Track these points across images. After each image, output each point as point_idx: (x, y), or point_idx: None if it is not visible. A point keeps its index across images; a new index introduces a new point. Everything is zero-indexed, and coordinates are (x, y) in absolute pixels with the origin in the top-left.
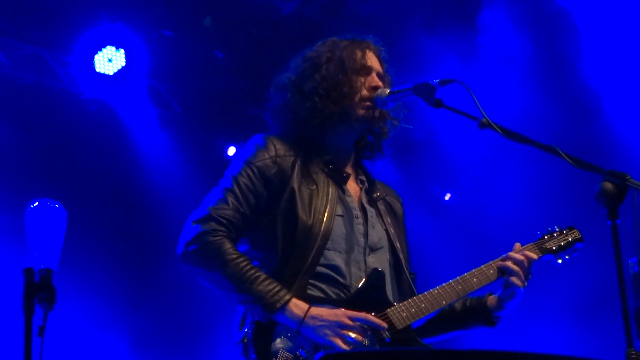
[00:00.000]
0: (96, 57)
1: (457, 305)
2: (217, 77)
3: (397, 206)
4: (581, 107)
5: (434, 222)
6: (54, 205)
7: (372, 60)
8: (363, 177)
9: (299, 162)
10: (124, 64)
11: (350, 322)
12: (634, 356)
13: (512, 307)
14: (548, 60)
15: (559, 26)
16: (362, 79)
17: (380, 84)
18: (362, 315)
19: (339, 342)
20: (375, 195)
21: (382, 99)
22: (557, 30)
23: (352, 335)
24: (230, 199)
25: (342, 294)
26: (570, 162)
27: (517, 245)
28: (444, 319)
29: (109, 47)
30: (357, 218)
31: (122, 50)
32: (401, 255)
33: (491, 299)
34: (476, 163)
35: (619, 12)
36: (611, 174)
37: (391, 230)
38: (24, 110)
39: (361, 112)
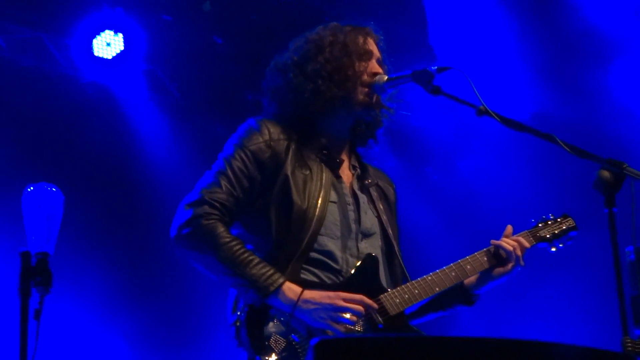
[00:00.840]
0: (95, 41)
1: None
2: (216, 63)
3: (390, 192)
4: (583, 95)
5: (430, 208)
6: (51, 189)
7: (373, 47)
8: (356, 164)
9: (293, 146)
10: (122, 48)
11: (344, 304)
12: (630, 344)
13: (495, 285)
14: (546, 46)
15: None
16: (364, 64)
17: (380, 70)
18: (357, 296)
19: (334, 325)
20: (367, 181)
21: (380, 85)
22: (556, 13)
23: (346, 316)
24: (224, 183)
25: (335, 279)
26: (568, 150)
27: (509, 227)
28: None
29: (107, 31)
30: (349, 205)
31: (120, 35)
32: (393, 242)
33: (469, 278)
34: (473, 149)
35: None
36: (609, 162)
37: (383, 217)
38: (23, 94)
39: (361, 96)
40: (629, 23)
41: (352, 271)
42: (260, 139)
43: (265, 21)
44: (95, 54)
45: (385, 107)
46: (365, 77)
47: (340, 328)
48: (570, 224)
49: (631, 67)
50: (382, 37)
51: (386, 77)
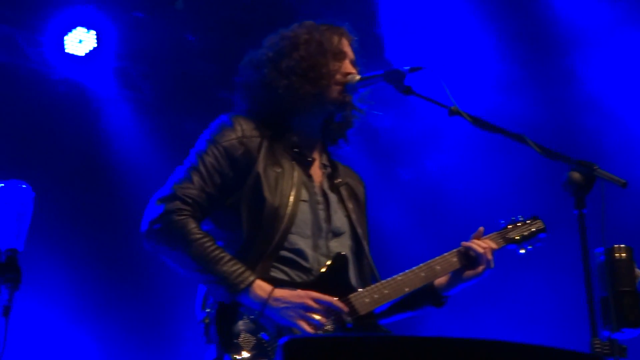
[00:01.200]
0: (66, 38)
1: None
2: (188, 60)
3: (360, 191)
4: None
5: (400, 208)
6: (22, 186)
7: (347, 48)
8: (327, 162)
9: (265, 144)
10: (94, 45)
11: (313, 304)
12: (598, 345)
13: (463, 287)
14: (518, 45)
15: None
16: (338, 64)
17: (353, 70)
18: (327, 298)
19: (302, 324)
20: (337, 180)
21: (353, 84)
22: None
23: (316, 317)
24: (196, 178)
25: (306, 277)
26: (538, 150)
27: (481, 229)
28: (394, 303)
29: (79, 28)
30: (319, 204)
31: (92, 32)
32: (363, 241)
33: (439, 279)
34: (444, 150)
35: None
36: (579, 163)
37: (353, 216)
38: None
39: (334, 95)
40: (598, 13)
41: (322, 270)
42: (233, 135)
43: (237, 19)
44: (67, 50)
45: (356, 109)
46: (338, 76)
47: (309, 328)
48: (539, 226)
49: (602, 58)
50: (356, 38)
51: (358, 77)
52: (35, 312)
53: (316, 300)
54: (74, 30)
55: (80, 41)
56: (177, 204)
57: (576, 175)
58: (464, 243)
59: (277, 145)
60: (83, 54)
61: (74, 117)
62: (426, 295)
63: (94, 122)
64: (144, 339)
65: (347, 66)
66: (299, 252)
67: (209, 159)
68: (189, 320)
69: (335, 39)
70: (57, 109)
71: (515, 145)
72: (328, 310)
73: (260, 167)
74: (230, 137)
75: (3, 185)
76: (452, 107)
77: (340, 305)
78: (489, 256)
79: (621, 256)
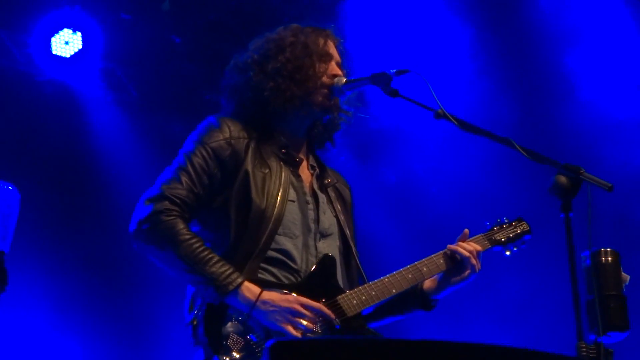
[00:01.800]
0: (53, 39)
1: (396, 294)
2: (174, 62)
3: (347, 194)
4: (538, 95)
5: (387, 210)
6: (8, 187)
7: (333, 50)
8: (314, 164)
9: (252, 145)
10: (80, 46)
11: (302, 310)
12: (584, 349)
13: (452, 290)
14: (500, 48)
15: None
16: (325, 66)
17: (340, 72)
18: (315, 304)
19: (290, 329)
20: (326, 181)
21: (339, 87)
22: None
23: (304, 322)
24: (184, 179)
25: (293, 279)
26: (525, 154)
27: (466, 231)
28: (382, 305)
29: (66, 29)
30: (308, 204)
31: (79, 33)
32: (351, 242)
33: (427, 283)
34: (431, 152)
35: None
36: (565, 167)
37: (341, 217)
38: None
39: (320, 98)
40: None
41: (310, 271)
42: (221, 137)
43: (223, 21)
44: (54, 52)
45: (343, 111)
46: (325, 78)
47: (296, 333)
48: (524, 228)
49: (588, 58)
50: (342, 40)
51: (345, 80)
52: (20, 314)
53: (305, 306)
54: (60, 32)
55: (66, 42)
56: (166, 204)
57: (562, 178)
58: (450, 246)
59: (264, 147)
60: (69, 56)
61: (60, 118)
62: (415, 299)
63: (81, 123)
64: (130, 341)
65: (334, 68)
66: (287, 253)
67: (197, 160)
68: (176, 322)
69: (321, 41)
70: (44, 110)
71: (501, 148)
72: (316, 315)
73: (247, 168)
74: (218, 138)
75: None
76: (439, 110)
77: (329, 312)
78: (475, 259)
79: (607, 260)
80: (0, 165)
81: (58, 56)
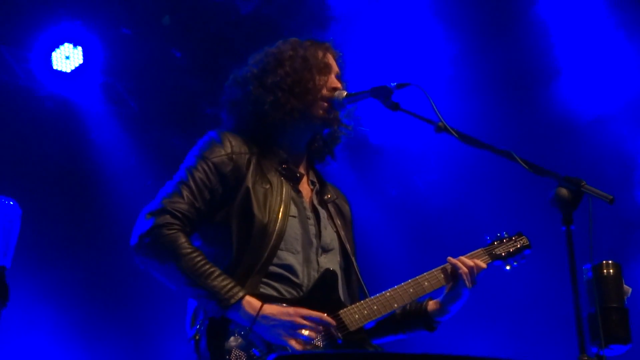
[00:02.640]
0: (54, 54)
1: (398, 309)
2: (174, 76)
3: (346, 209)
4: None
5: (388, 224)
6: (9, 203)
7: (332, 63)
8: (314, 179)
9: (253, 160)
10: (81, 61)
11: (303, 321)
12: None
13: (455, 310)
14: (501, 63)
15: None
16: (324, 78)
17: (339, 85)
18: (316, 313)
19: (292, 343)
20: (326, 197)
21: (340, 101)
22: (507, 29)
23: (305, 333)
24: (186, 193)
25: (295, 293)
26: (526, 167)
27: (469, 254)
28: (385, 323)
29: (66, 44)
30: (309, 219)
31: (79, 48)
32: (352, 257)
33: (432, 304)
34: (431, 166)
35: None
36: (566, 179)
37: (342, 232)
38: None
39: (320, 111)
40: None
41: (311, 286)
42: (223, 152)
43: (224, 35)
44: (55, 67)
45: (343, 125)
46: (324, 91)
47: (298, 346)
48: (524, 243)
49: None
50: (341, 53)
51: (345, 93)
52: (22, 329)
53: (305, 317)
54: (61, 47)
55: (67, 57)
56: (167, 218)
57: (564, 191)
58: (450, 259)
59: (265, 162)
60: (70, 70)
61: (61, 133)
62: (419, 319)
63: (82, 138)
64: (133, 355)
65: (333, 80)
66: (289, 268)
67: (198, 175)
68: (178, 337)
69: (320, 53)
70: (45, 125)
71: (502, 161)
72: (317, 325)
73: (249, 183)
74: (220, 154)
75: None
76: (439, 124)
77: (329, 319)
78: (468, 276)
79: (609, 272)
80: (1, 180)
81: (59, 71)
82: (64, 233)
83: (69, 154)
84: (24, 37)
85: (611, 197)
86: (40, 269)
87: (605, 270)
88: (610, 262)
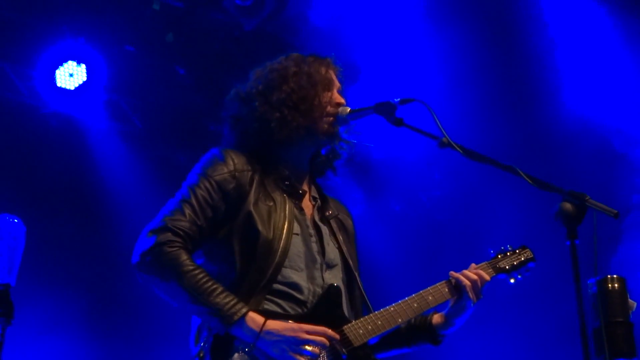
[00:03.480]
0: (57, 71)
1: (403, 323)
2: (178, 93)
3: (349, 223)
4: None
5: (392, 239)
6: (13, 220)
7: (334, 78)
8: (316, 195)
9: (256, 177)
10: (85, 79)
11: (306, 336)
12: None
13: (460, 323)
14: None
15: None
16: (329, 94)
17: (343, 100)
18: (319, 329)
19: (296, 358)
20: (327, 213)
21: (343, 117)
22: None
23: (309, 348)
24: (187, 211)
25: (300, 310)
26: (530, 181)
27: (473, 265)
28: (390, 336)
29: (70, 62)
30: (311, 236)
31: (83, 65)
32: (355, 272)
33: (436, 318)
34: (436, 181)
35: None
36: (570, 194)
37: (344, 248)
38: None
39: (325, 126)
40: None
41: (315, 302)
42: (225, 170)
43: (227, 52)
44: (58, 84)
45: (344, 141)
46: (329, 107)
47: (302, 359)
48: (528, 256)
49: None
50: (341, 68)
51: (349, 109)
52: (27, 346)
53: (309, 332)
54: (64, 64)
55: (70, 75)
56: (169, 235)
57: (568, 206)
58: (453, 273)
59: (268, 179)
60: (73, 88)
61: (65, 151)
62: (424, 332)
63: (85, 155)
64: None
65: (337, 96)
66: (294, 286)
67: (200, 192)
68: (181, 353)
69: (323, 69)
70: (49, 143)
71: (506, 176)
72: (321, 341)
73: (251, 201)
74: (223, 171)
75: None
76: (443, 139)
77: (333, 333)
78: (472, 290)
79: (614, 287)
80: (5, 198)
81: (62, 88)
82: (69, 250)
83: (73, 171)
84: (28, 55)
85: (615, 211)
86: (44, 286)
87: (610, 285)
88: (615, 276)
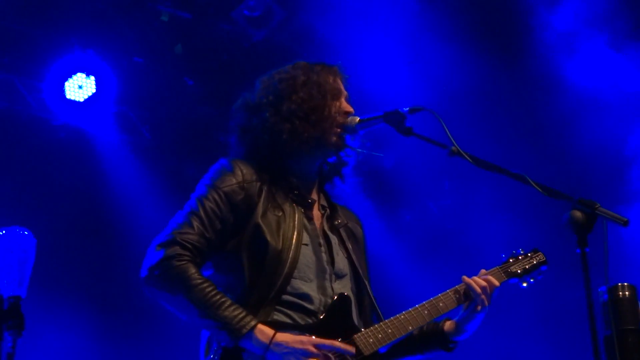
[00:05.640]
0: (66, 83)
1: (415, 330)
2: (187, 104)
3: (359, 231)
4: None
5: (403, 248)
6: (23, 232)
7: (342, 87)
8: (325, 203)
9: (265, 188)
10: (94, 90)
11: (315, 350)
12: None
13: (472, 330)
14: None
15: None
16: (337, 104)
17: (351, 109)
18: (328, 342)
19: None
20: (337, 222)
21: (352, 126)
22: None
23: None
24: (196, 224)
25: (310, 320)
26: (540, 190)
27: (483, 271)
28: (402, 343)
29: (79, 74)
30: (321, 246)
31: (92, 77)
32: (365, 281)
33: (448, 324)
34: (446, 190)
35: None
36: (580, 202)
37: (353, 257)
38: None
39: (333, 138)
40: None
41: (325, 312)
42: (234, 181)
43: (236, 62)
44: (67, 96)
45: (353, 149)
46: (339, 117)
47: None
48: (540, 259)
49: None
50: (348, 76)
51: (358, 119)
52: (38, 358)
53: (318, 346)
54: (73, 76)
55: (80, 87)
56: (177, 249)
57: (578, 214)
58: (465, 278)
59: (276, 189)
60: (83, 100)
61: (74, 163)
62: (435, 339)
63: (95, 167)
64: None
65: (346, 105)
66: (304, 296)
67: (209, 204)
68: None
69: (330, 78)
70: (58, 155)
71: (516, 184)
72: (331, 354)
73: (260, 211)
74: (231, 182)
75: (4, 232)
76: (453, 148)
77: (344, 347)
78: (484, 295)
79: (625, 294)
80: (15, 210)
81: (72, 100)
82: (79, 262)
83: (82, 183)
84: (37, 67)
85: (626, 219)
86: (55, 298)
87: (620, 293)
88: (625, 284)
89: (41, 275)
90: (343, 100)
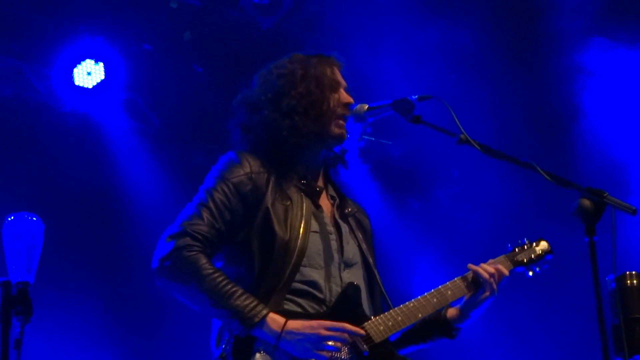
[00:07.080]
0: (75, 70)
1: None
2: (196, 92)
3: (366, 222)
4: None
5: (411, 236)
6: (32, 218)
7: (339, 77)
8: (334, 193)
9: (273, 178)
10: (103, 77)
11: (327, 332)
12: None
13: (477, 316)
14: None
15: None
16: (336, 95)
17: (351, 99)
18: (338, 324)
19: (318, 353)
20: (346, 210)
21: (360, 114)
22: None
23: (330, 343)
24: (206, 215)
25: (319, 309)
26: (548, 178)
27: (490, 260)
28: (406, 334)
29: (88, 60)
30: (331, 234)
31: (101, 64)
32: (374, 270)
33: (451, 311)
34: (454, 178)
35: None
36: (589, 190)
37: (363, 246)
38: (2, 124)
39: (336, 130)
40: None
41: (335, 301)
42: (242, 172)
43: (245, 50)
44: (76, 83)
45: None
46: (338, 109)
47: (325, 354)
48: (545, 248)
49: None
50: (344, 64)
51: (366, 107)
52: (46, 344)
53: (329, 328)
54: (82, 63)
55: (88, 73)
56: (187, 240)
57: (586, 202)
58: (471, 266)
59: (284, 179)
60: (91, 86)
61: (83, 150)
62: (438, 327)
63: (103, 154)
64: None
65: (345, 96)
66: (313, 284)
67: (218, 196)
68: (202, 354)
69: (328, 70)
70: (66, 142)
71: (524, 172)
72: (342, 336)
73: (268, 201)
74: (239, 174)
75: (13, 217)
76: (461, 136)
77: (354, 329)
78: (494, 282)
79: (632, 283)
80: (24, 197)
81: (80, 87)
82: (87, 249)
83: (91, 170)
84: (45, 54)
85: (634, 208)
86: (63, 284)
87: (628, 281)
88: (633, 272)
89: (49, 262)
90: (342, 91)
